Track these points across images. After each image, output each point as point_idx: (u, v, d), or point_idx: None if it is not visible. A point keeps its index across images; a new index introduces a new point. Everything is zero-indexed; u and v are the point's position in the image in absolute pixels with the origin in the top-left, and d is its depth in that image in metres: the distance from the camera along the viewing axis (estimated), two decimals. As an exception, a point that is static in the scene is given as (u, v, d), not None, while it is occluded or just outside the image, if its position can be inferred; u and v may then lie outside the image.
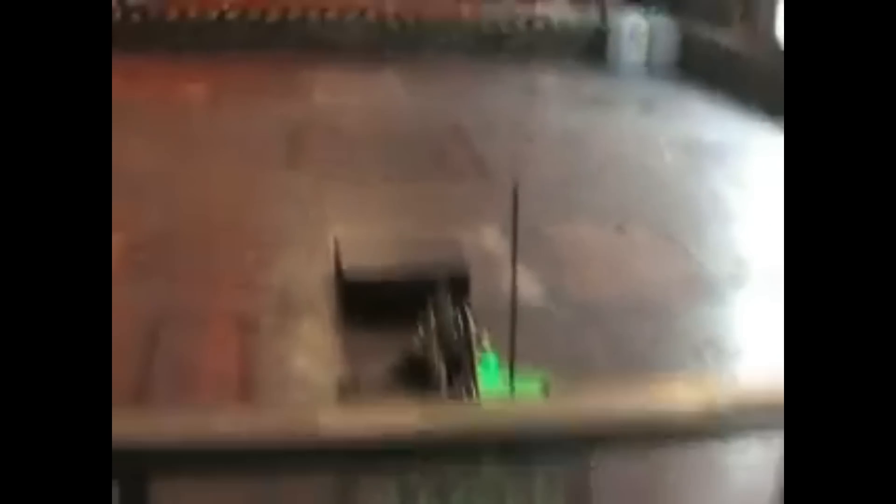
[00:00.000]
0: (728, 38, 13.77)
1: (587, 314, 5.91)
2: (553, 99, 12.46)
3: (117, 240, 6.24)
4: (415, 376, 4.13)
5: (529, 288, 5.90)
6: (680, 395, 2.23)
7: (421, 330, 4.22)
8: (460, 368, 3.98)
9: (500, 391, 3.94)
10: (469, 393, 3.84)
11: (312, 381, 4.91)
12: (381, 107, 11.50)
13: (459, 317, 4.16)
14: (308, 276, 6.23)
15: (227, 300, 5.93)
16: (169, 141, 9.32)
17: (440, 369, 3.98)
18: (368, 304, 5.53)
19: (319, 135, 9.95)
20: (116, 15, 13.57)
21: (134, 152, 8.35)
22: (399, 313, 5.09)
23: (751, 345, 5.56)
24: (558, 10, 15.62)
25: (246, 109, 10.75)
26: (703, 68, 14.13)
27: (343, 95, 11.99)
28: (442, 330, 4.12)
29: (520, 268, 5.32)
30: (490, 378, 4.08)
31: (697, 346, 5.54)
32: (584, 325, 5.78)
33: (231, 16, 14.61)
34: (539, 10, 15.56)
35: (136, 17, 14.18)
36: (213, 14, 14.54)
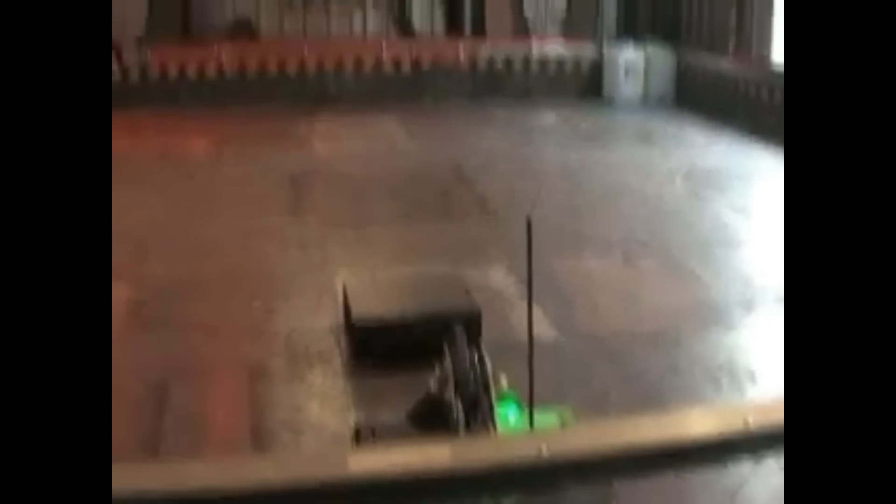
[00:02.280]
0: (724, 66, 13.85)
1: (600, 347, 5.87)
2: (552, 136, 12.51)
3: (124, 292, 6.27)
4: (432, 419, 4.08)
5: (540, 323, 5.86)
6: (698, 423, 2.20)
7: (437, 371, 4.17)
8: (478, 409, 3.94)
9: (519, 429, 3.89)
10: (488, 433, 3.79)
11: (328, 428, 4.86)
12: (382, 152, 11.55)
13: (475, 356, 4.11)
14: (316, 321, 6.19)
15: (237, 349, 5.89)
16: (173, 192, 9.36)
17: (458, 411, 3.93)
18: (380, 347, 5.49)
19: (322, 181, 9.98)
20: (115, 74, 13.71)
21: (139, 204, 8.37)
22: (411, 355, 5.05)
23: (765, 367, 5.51)
24: (553, 47, 15.73)
25: (248, 160, 10.79)
26: (700, 97, 14.21)
27: (344, 143, 12.06)
28: (458, 371, 4.07)
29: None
30: (509, 417, 4.04)
31: (713, 372, 5.49)
32: (597, 358, 5.73)
33: (230, 71, 14.73)
34: (535, 48, 15.67)
35: (134, 75, 14.30)
36: (213, 70, 14.67)
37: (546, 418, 4.09)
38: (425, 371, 4.50)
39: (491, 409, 3.86)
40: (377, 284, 6.57)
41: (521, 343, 4.03)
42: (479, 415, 3.88)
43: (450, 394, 3.99)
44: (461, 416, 3.87)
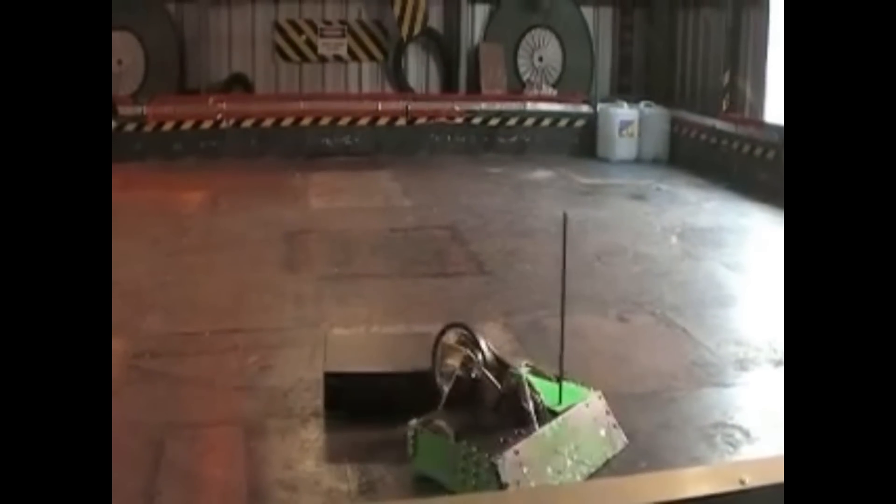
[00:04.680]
0: (717, 125, 14.02)
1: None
2: (547, 193, 12.59)
3: (119, 346, 6.26)
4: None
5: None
6: (693, 482, 2.21)
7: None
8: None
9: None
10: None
11: (323, 485, 4.85)
12: (377, 208, 11.62)
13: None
14: (311, 377, 6.19)
15: (231, 404, 5.89)
16: (168, 246, 9.39)
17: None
18: (351, 400, 5.50)
19: (317, 237, 10.03)
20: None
21: (133, 258, 8.40)
22: (384, 410, 5.20)
23: (760, 425, 5.53)
24: (548, 105, 15.91)
25: (243, 215, 10.85)
26: (694, 156, 14.35)
27: (339, 198, 12.13)
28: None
29: (524, 360, 5.36)
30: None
31: (706, 431, 5.50)
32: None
33: (226, 124, 14.84)
34: (530, 106, 15.84)
35: (130, 128, 14.40)
36: (208, 123, 14.77)
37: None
38: (402, 425, 4.77)
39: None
40: (359, 340, 6.57)
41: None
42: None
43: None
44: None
